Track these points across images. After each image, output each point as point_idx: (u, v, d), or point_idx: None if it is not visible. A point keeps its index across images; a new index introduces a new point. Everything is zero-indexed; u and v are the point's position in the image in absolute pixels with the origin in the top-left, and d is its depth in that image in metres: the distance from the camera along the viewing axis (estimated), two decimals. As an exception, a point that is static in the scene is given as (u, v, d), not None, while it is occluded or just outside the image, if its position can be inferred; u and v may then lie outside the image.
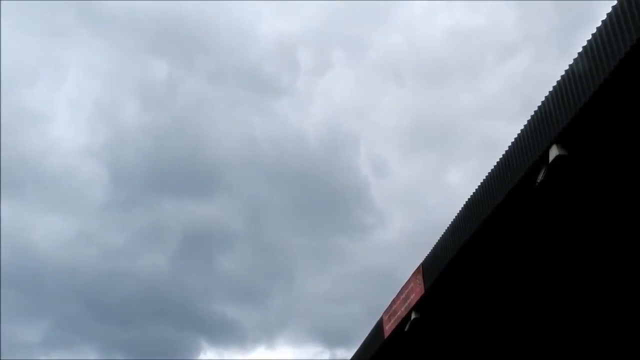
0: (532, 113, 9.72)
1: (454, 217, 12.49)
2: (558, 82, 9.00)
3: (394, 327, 15.30)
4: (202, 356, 72.74)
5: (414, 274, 14.28)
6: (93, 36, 68.66)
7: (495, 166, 10.86)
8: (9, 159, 68.85)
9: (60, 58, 73.55)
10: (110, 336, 70.17)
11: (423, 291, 13.78)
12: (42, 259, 67.57)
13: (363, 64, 69.43)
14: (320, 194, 68.29)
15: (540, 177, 9.56)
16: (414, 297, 14.14)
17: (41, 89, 72.02)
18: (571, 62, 8.72)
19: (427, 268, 13.78)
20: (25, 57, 71.14)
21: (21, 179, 70.63)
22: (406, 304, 14.54)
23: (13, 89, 72.78)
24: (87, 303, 69.31)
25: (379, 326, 16.54)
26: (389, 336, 15.70)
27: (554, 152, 9.17)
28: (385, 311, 15.92)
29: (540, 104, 9.46)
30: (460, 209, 12.22)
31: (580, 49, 8.54)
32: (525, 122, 9.92)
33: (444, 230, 12.96)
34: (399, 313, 14.93)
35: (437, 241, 13.34)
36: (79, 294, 68.95)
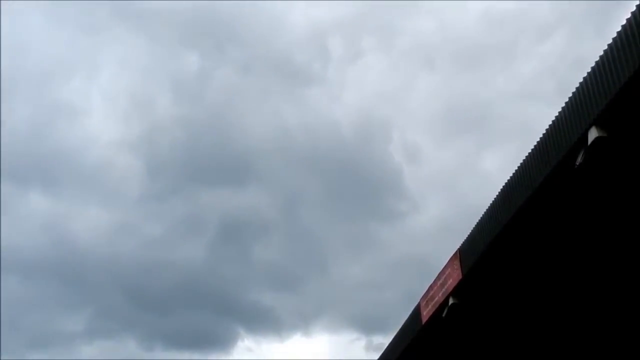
0: (570, 95, 9.60)
1: (491, 202, 12.41)
2: (597, 62, 8.88)
3: (431, 312, 15.29)
4: (239, 343, 73.60)
5: (451, 259, 14.25)
6: (126, 31, 69.52)
7: (533, 149, 10.76)
8: (48, 153, 70.22)
9: (96, 53, 74.74)
10: (150, 325, 71.43)
11: (460, 276, 13.75)
12: (82, 250, 68.92)
13: (394, 50, 69.09)
14: (354, 181, 68.32)
15: (579, 160, 9.46)
16: (452, 283, 14.11)
17: (78, 83, 73.19)
18: (610, 41, 8.59)
19: (465, 253, 13.73)
20: (61, 53, 72.32)
21: (60, 172, 72.01)
22: (443, 290, 14.52)
23: (51, 84, 74.07)
24: (127, 293, 70.56)
25: (416, 312, 16.53)
26: (427, 322, 15.69)
27: (593, 134, 9.05)
28: (423, 297, 15.91)
29: (578, 85, 9.34)
30: (497, 193, 12.14)
31: (619, 28, 8.41)
32: (563, 104, 9.81)
33: (481, 215, 12.90)
34: (436, 299, 14.91)
35: (474, 226, 13.28)
36: (119, 284, 70.22)
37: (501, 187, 11.95)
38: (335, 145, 65.69)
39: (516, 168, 11.34)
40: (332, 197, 69.66)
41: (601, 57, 8.78)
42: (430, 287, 15.35)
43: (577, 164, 9.53)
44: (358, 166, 66.31)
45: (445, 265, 14.48)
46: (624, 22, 8.27)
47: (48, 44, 71.44)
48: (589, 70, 9.08)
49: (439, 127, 68.98)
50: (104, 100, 74.07)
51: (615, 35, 8.47)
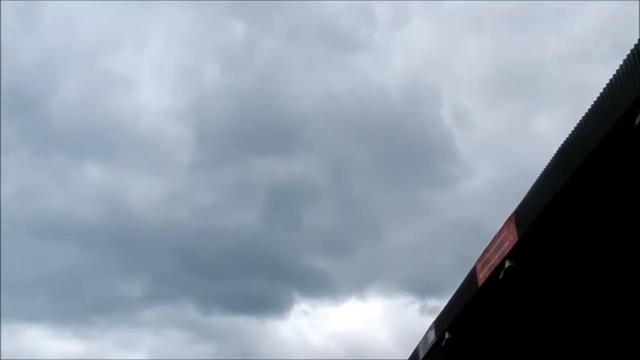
0: (628, 52, 9.41)
1: (547, 164, 12.30)
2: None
3: (487, 275, 15.31)
4: (295, 307, 74.87)
5: (506, 222, 14.21)
6: (172, 2, 69.98)
7: (589, 109, 10.60)
8: (101, 124, 71.76)
9: (143, 25, 75.51)
10: (207, 290, 73.20)
11: (517, 239, 13.72)
12: (137, 219, 70.72)
13: (441, 13, 68.00)
14: (404, 147, 68.03)
15: (639, 119, 9.30)
16: (508, 246, 14.10)
17: (127, 55, 74.34)
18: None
19: (520, 216, 13.68)
20: (111, 26, 73.43)
21: (113, 142, 73.65)
22: (499, 252, 14.52)
23: (100, 57, 75.37)
24: (183, 259, 72.31)
25: (472, 275, 16.58)
26: (483, 284, 15.73)
27: (652, 92, 8.89)
28: (479, 260, 15.94)
29: (637, 41, 9.14)
30: (552, 155, 12.03)
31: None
32: (621, 62, 9.62)
33: (537, 178, 12.80)
34: (492, 261, 14.92)
35: (529, 189, 13.19)
36: (175, 251, 71.98)
37: (557, 149, 11.83)
38: (384, 110, 65.43)
39: (572, 129, 11.20)
40: (383, 162, 69.62)
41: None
42: (486, 250, 15.36)
43: (637, 123, 9.37)
44: (408, 131, 66.00)
45: (501, 229, 14.46)
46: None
47: (97, 18, 72.59)
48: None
49: (490, 90, 67.97)
50: (153, 71, 75.18)
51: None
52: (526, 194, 13.37)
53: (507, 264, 14.33)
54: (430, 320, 20.51)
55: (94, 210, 72.18)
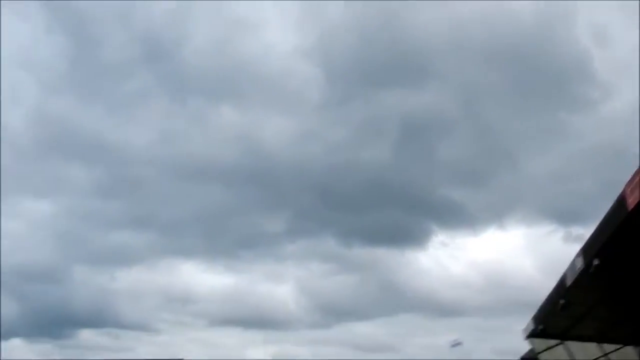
0: None
1: None
2: None
3: (638, 199, 14.79)
4: (433, 238, 75.57)
5: (658, 142, 13.60)
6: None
7: None
8: (231, 67, 74.02)
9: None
10: (346, 224, 75.36)
11: (670, 160, 13.13)
12: (273, 157, 73.38)
13: None
14: (537, 71, 65.44)
15: None
16: (660, 168, 13.53)
17: (249, -2, 75.77)
18: None
19: (674, 135, 13.05)
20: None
21: (243, 84, 76.10)
22: (651, 175, 13.96)
23: (226, 3, 77.23)
24: (319, 195, 74.58)
25: (620, 200, 16.06)
26: (634, 209, 15.23)
27: None
28: (628, 184, 15.38)
29: None
30: None
31: None
32: None
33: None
34: (643, 185, 14.39)
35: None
36: (311, 187, 74.27)
37: None
38: (514, 35, 62.96)
39: None
40: (516, 88, 67.47)
41: None
42: (637, 173, 14.79)
43: None
44: (541, 54, 63.37)
45: (653, 150, 13.86)
46: None
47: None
48: None
49: (629, 5, 63.41)
50: (277, 11, 76.10)
51: None
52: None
53: (659, 186, 13.80)
54: (575, 248, 20.15)
55: (231, 150, 75.56)
